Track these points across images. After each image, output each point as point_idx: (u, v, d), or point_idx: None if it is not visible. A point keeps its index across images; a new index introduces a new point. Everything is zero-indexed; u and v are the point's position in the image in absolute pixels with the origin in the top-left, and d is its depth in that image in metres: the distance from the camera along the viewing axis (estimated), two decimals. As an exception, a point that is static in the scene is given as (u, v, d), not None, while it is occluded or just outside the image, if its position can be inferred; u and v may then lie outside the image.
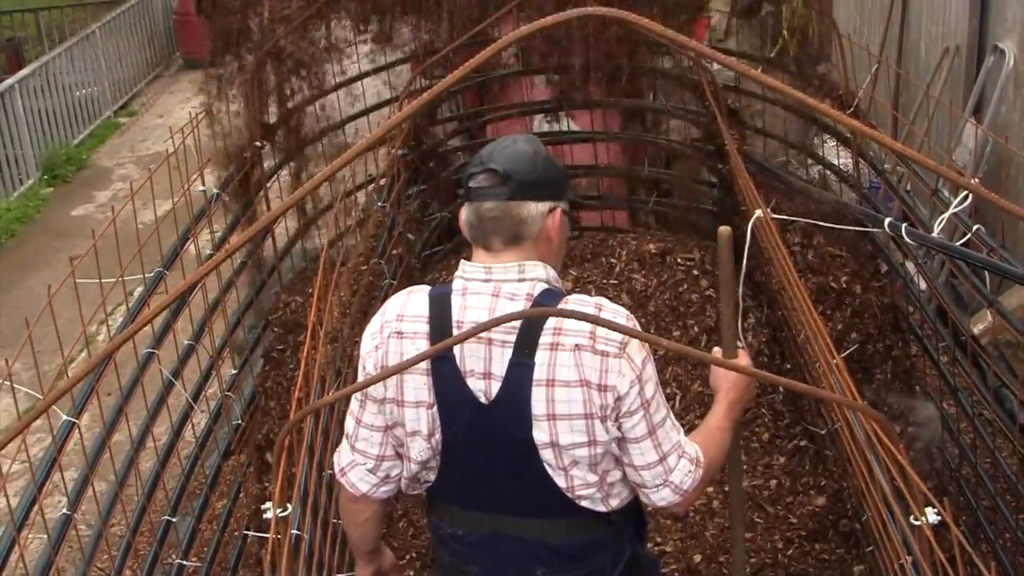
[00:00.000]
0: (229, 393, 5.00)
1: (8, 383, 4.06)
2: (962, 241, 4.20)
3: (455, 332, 2.54)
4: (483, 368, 2.56)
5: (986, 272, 4.26)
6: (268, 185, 5.57)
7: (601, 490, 2.66)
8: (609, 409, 2.55)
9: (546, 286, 2.59)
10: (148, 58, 14.58)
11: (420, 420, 2.62)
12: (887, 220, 4.24)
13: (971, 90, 7.71)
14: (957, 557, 2.55)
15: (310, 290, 5.50)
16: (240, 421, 5.06)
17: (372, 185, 5.03)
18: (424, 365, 2.56)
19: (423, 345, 2.58)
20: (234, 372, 5.11)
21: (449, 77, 2.50)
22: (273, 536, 2.64)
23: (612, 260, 5.77)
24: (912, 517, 2.89)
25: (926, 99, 7.29)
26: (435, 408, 2.60)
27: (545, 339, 2.53)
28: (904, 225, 4.20)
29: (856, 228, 4.76)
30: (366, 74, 6.44)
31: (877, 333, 4.99)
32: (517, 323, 2.53)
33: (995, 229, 4.94)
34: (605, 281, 5.64)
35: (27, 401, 8.30)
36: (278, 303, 5.51)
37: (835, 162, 5.97)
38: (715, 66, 6.20)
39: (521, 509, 2.67)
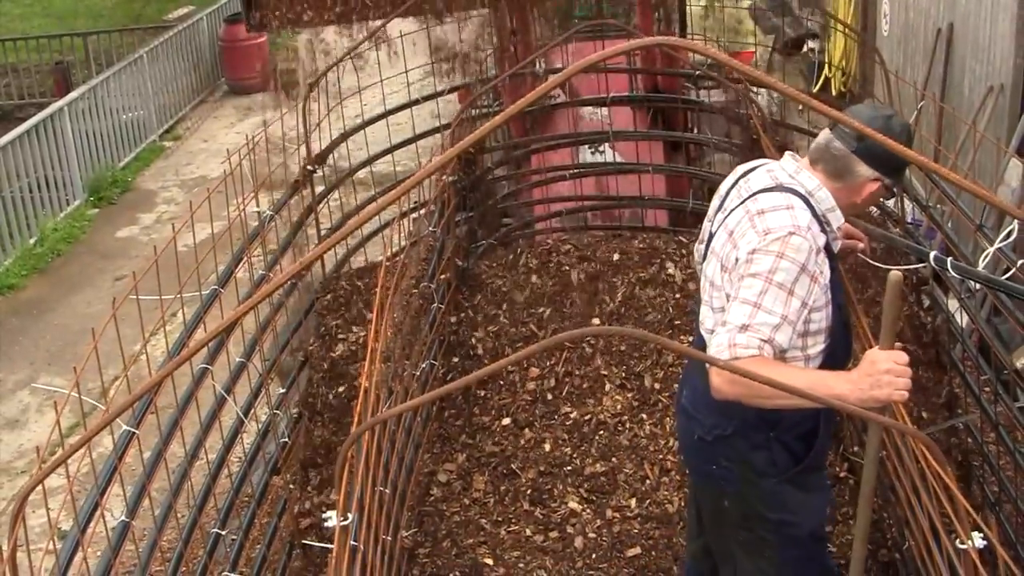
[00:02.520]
0: (277, 411, 5.08)
1: (53, 400, 4.14)
2: (1007, 275, 4.26)
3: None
4: None
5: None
6: (318, 208, 5.67)
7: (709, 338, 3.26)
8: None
9: (794, 191, 3.27)
10: (193, 83, 14.77)
11: None
12: (932, 253, 4.29)
13: (1015, 128, 7.74)
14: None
15: (346, 312, 5.64)
16: (287, 439, 5.14)
17: (423, 210, 5.11)
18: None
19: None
20: (282, 391, 5.19)
21: (508, 110, 2.60)
22: (337, 543, 2.71)
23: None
24: (958, 541, 2.94)
25: (971, 136, 7.33)
26: None
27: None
28: (949, 259, 4.25)
29: (904, 268, 4.81)
30: (415, 102, 6.55)
31: (919, 367, 5.03)
32: None
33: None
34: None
35: (70, 417, 8.46)
36: (320, 325, 5.62)
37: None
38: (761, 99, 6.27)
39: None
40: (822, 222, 3.28)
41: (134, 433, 3.74)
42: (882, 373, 3.01)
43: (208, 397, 4.50)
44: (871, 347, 3.18)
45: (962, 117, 8.35)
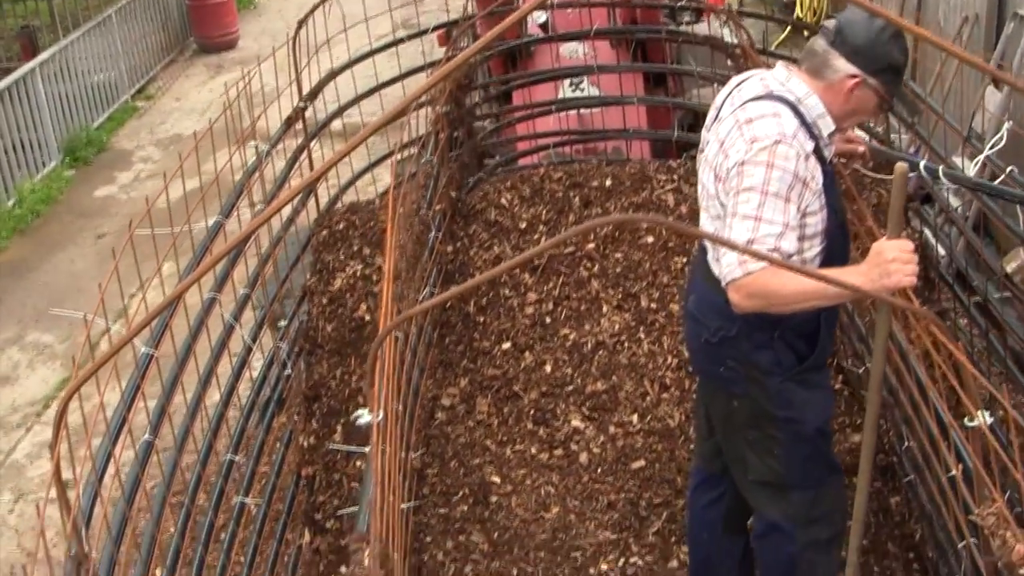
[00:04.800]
0: (280, 343, 5.15)
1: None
2: (997, 181, 4.38)
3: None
4: None
5: (1020, 210, 4.43)
6: (311, 143, 5.72)
7: (715, 251, 3.43)
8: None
9: (783, 99, 3.36)
10: (163, 43, 14.68)
11: None
12: (923, 163, 4.41)
13: (990, 58, 7.84)
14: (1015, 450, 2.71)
15: (342, 247, 5.70)
16: (290, 371, 5.22)
17: (418, 145, 5.19)
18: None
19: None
20: (283, 323, 5.26)
21: (488, 35, 2.68)
22: (376, 437, 2.79)
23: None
24: (967, 419, 3.06)
25: (947, 64, 7.43)
26: None
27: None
28: (940, 167, 4.36)
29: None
30: (400, 40, 6.61)
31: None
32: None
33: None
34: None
35: (62, 372, 8.51)
36: (317, 261, 5.69)
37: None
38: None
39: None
40: (811, 128, 3.37)
41: (153, 354, 3.81)
42: (890, 262, 3.12)
43: (215, 327, 4.57)
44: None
45: (936, 51, 8.44)
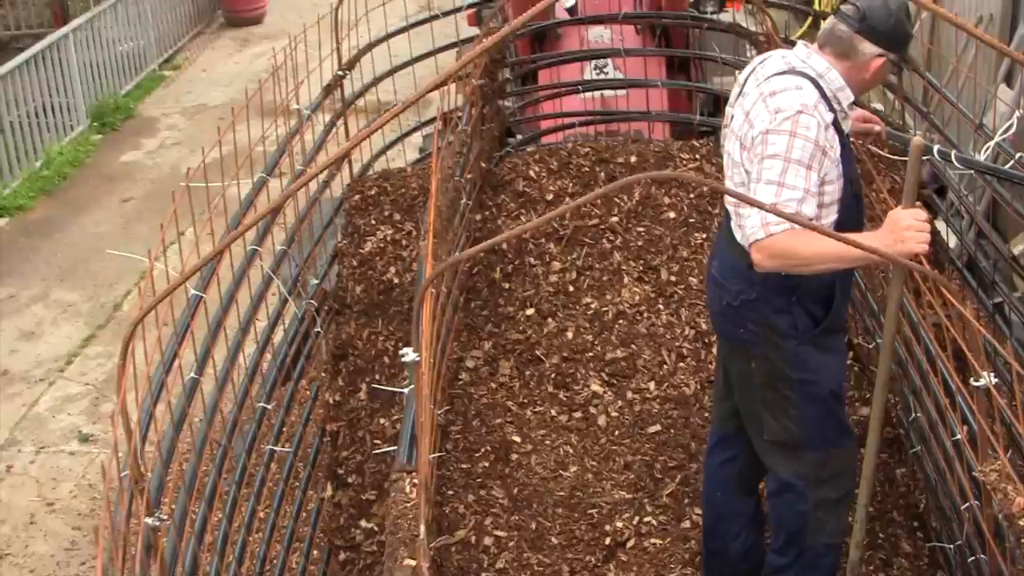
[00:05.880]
0: (312, 301, 5.33)
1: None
2: (1007, 166, 4.55)
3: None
4: None
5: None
6: (347, 108, 5.90)
7: (738, 217, 3.60)
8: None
9: (804, 74, 3.55)
10: (191, 14, 14.90)
11: None
12: (935, 147, 4.57)
13: (1003, 58, 7.99)
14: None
15: (374, 212, 5.88)
16: (319, 328, 5.40)
17: (453, 114, 5.38)
18: None
19: None
20: (315, 282, 5.45)
21: (525, 15, 2.88)
22: (426, 368, 2.97)
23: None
24: (973, 379, 3.24)
25: (962, 62, 7.60)
26: None
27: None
28: (953, 151, 4.53)
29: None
30: (435, 17, 6.79)
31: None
32: None
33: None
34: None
35: (85, 330, 8.70)
36: (349, 224, 5.87)
37: (878, 107, 6.30)
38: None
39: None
40: (831, 101, 3.57)
41: (202, 297, 3.99)
42: (904, 229, 3.32)
43: (255, 279, 4.74)
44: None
45: (951, 49, 8.60)
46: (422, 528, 2.44)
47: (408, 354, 3.12)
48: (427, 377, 3.49)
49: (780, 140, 3.46)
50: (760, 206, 3.15)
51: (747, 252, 3.57)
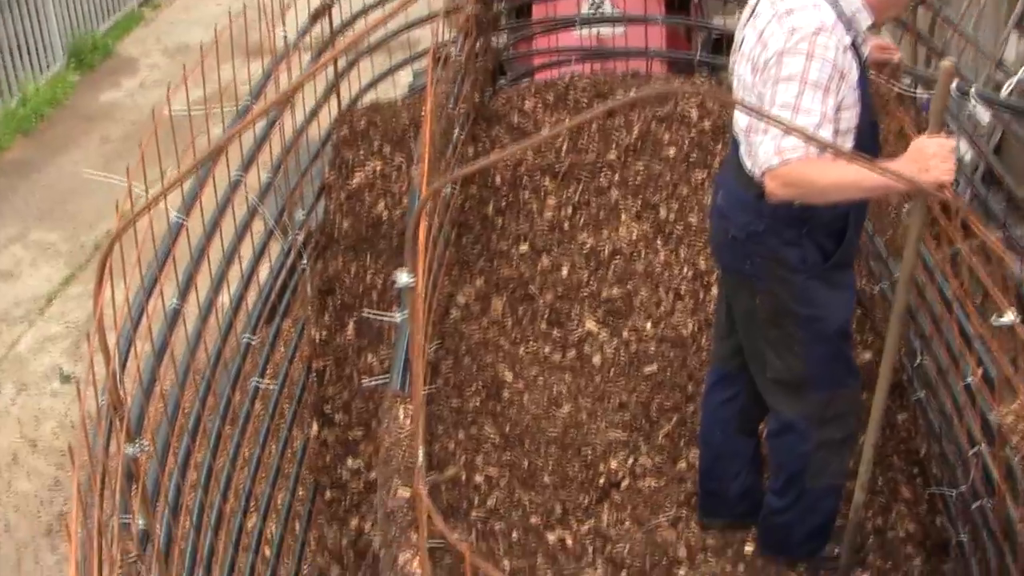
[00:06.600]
0: (298, 233, 5.16)
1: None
2: (1027, 104, 4.40)
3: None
4: None
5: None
6: (335, 38, 5.70)
7: (747, 145, 3.41)
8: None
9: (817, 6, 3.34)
10: (171, -47, 14.60)
11: None
12: (955, 82, 4.42)
13: (1016, 2, 7.83)
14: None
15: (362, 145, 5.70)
16: (306, 262, 5.24)
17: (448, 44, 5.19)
18: None
19: None
20: (303, 214, 5.27)
21: None
22: (421, 293, 2.82)
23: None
24: (995, 316, 3.10)
25: (972, 5, 7.44)
26: None
27: None
28: (973, 86, 4.38)
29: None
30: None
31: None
32: None
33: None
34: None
35: (65, 270, 8.52)
36: (337, 157, 5.69)
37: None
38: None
39: None
40: (849, 22, 3.39)
41: (184, 221, 3.82)
42: (929, 157, 3.15)
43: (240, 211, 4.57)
44: None
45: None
46: (420, 454, 2.29)
47: (402, 277, 2.96)
48: (422, 299, 3.34)
49: (796, 61, 3.28)
50: (780, 124, 2.98)
51: (755, 183, 3.42)
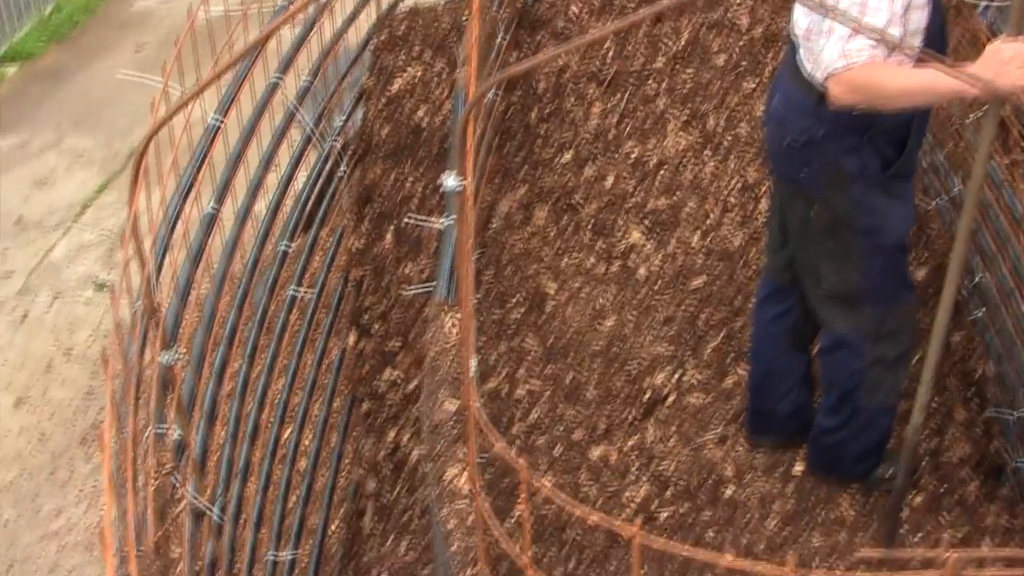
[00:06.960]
0: (336, 139, 5.04)
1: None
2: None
3: None
4: None
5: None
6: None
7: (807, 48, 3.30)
8: None
9: None
10: None
11: None
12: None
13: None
14: None
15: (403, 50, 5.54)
16: (344, 169, 5.12)
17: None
18: None
19: None
20: (342, 119, 5.14)
21: None
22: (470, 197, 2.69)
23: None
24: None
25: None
26: None
27: None
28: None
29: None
30: None
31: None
32: None
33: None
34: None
35: (99, 177, 8.44)
36: (376, 62, 5.53)
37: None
38: None
39: None
40: None
41: (221, 123, 3.70)
42: (1006, 62, 2.96)
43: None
44: None
45: None
46: (472, 364, 2.17)
47: (450, 181, 2.83)
48: (471, 203, 3.21)
49: None
50: (847, 23, 2.80)
51: (815, 87, 3.27)
